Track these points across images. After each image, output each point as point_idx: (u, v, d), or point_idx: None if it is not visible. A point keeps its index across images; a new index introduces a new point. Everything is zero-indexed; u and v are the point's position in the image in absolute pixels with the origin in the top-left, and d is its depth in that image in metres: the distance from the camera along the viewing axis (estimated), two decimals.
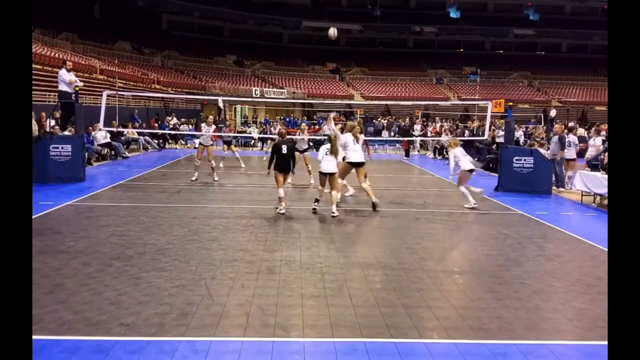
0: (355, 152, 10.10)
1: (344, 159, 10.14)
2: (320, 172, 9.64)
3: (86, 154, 14.66)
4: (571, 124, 19.63)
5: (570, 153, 13.91)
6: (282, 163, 9.48)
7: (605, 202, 11.20)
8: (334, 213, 9.28)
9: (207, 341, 4.13)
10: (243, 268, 6.11)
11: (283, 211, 9.41)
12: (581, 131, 21.96)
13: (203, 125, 14.43)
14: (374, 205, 9.95)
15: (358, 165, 10.16)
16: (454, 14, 61.19)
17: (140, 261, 6.28)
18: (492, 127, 19.68)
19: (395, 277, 5.94)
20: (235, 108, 44.14)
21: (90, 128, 17.70)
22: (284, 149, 9.50)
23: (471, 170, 10.79)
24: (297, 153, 11.45)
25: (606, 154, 12.81)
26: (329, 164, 9.54)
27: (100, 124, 15.50)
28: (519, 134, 20.90)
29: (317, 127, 22.94)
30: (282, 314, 4.73)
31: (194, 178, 13.42)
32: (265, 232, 7.98)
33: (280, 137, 10.15)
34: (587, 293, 5.62)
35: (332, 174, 9.54)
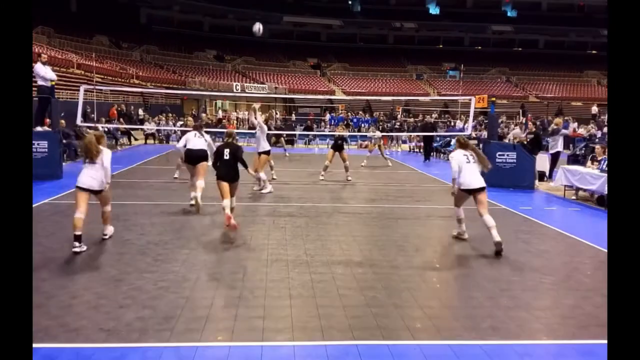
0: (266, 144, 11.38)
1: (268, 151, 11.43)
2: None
3: (66, 150, 14.31)
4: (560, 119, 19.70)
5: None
6: (224, 169, 8.03)
7: (586, 195, 11.31)
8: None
9: (192, 347, 3.95)
10: (228, 268, 5.93)
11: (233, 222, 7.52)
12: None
13: None
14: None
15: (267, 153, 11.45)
16: (433, 10, 61.31)
17: (120, 262, 6.06)
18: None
19: (385, 276, 5.82)
20: (215, 103, 43.66)
21: (63, 122, 17.18)
22: (226, 153, 8.08)
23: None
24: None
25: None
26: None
27: (78, 119, 15.10)
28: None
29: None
30: (270, 316, 4.57)
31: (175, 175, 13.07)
32: (251, 231, 7.79)
33: (229, 137, 8.47)
34: (578, 290, 5.57)
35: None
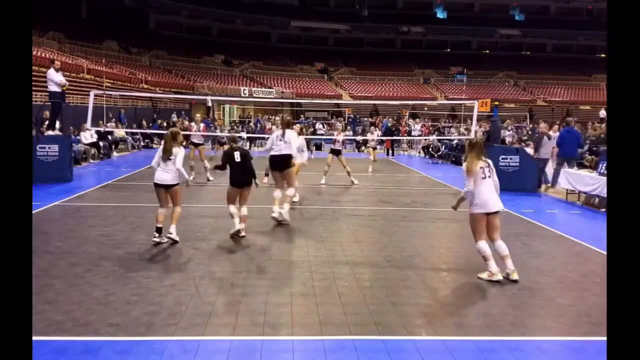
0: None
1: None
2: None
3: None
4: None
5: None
6: (235, 175, 7.71)
7: (590, 199, 11.37)
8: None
9: (196, 340, 4.14)
10: (232, 267, 6.13)
11: (242, 233, 7.56)
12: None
13: (192, 124, 14.31)
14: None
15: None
16: (440, 14, 61.38)
17: (128, 261, 6.27)
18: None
19: (384, 275, 5.99)
20: (223, 108, 43.95)
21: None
22: (237, 156, 7.67)
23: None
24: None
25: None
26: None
27: (88, 124, 15.41)
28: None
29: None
30: (271, 312, 4.75)
31: (191, 178, 13.17)
32: (255, 231, 7.98)
33: (233, 141, 8.24)
34: (572, 290, 5.70)
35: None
